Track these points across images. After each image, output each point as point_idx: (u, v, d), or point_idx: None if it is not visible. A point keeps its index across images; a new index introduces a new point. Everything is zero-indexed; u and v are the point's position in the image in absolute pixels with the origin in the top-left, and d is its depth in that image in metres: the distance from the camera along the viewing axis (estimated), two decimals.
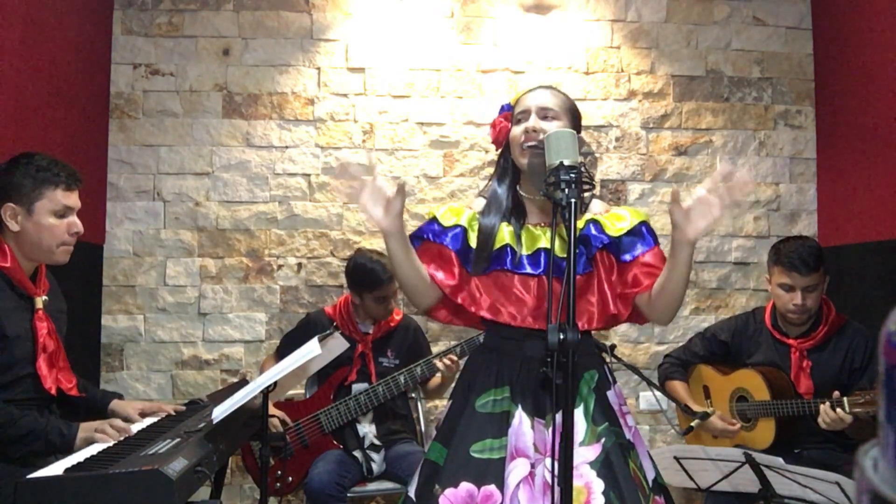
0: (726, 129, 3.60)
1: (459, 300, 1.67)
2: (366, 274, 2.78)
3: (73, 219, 1.99)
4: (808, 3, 3.64)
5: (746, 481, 2.15)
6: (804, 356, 2.52)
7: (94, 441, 1.81)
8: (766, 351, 2.61)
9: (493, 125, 1.80)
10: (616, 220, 1.67)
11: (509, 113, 1.77)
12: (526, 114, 1.70)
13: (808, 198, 3.61)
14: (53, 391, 1.95)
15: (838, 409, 2.25)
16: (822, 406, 2.27)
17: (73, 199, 1.99)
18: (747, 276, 3.55)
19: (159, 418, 2.07)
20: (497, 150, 1.83)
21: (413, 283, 1.67)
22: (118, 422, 1.91)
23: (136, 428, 1.96)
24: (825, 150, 3.56)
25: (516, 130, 1.70)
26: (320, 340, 1.96)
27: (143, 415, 2.10)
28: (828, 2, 3.52)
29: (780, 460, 2.04)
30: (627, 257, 1.64)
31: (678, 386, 2.71)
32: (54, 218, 1.94)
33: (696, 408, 2.60)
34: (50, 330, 1.97)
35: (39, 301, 1.96)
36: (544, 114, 1.69)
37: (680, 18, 3.60)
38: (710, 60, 3.61)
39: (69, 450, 1.80)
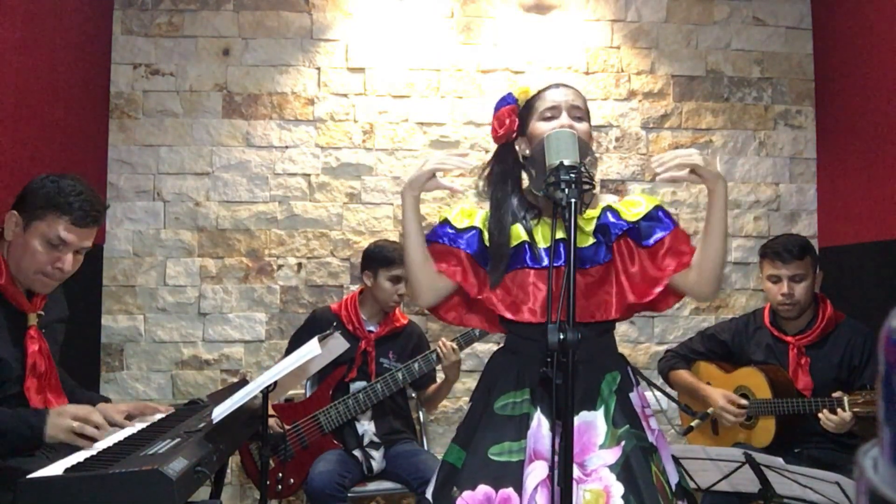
0: (726, 129, 3.60)
1: (482, 297, 1.65)
2: (382, 249, 2.87)
3: (65, 255, 1.81)
4: (808, 3, 3.64)
5: (746, 481, 2.15)
6: (802, 353, 2.54)
7: (68, 441, 1.66)
8: (765, 349, 2.63)
9: (500, 119, 1.70)
10: (631, 206, 1.64)
11: (516, 106, 1.70)
12: (556, 110, 1.64)
13: (808, 198, 3.61)
14: None
15: (839, 410, 2.26)
16: (821, 414, 2.30)
17: (73, 236, 1.81)
18: (747, 276, 3.55)
19: (148, 424, 2.02)
20: (497, 144, 1.75)
21: (420, 264, 1.65)
22: (97, 416, 1.72)
23: (122, 434, 1.91)
24: (825, 150, 3.56)
25: (545, 127, 1.62)
26: (320, 340, 1.96)
27: (130, 417, 2.01)
28: (828, 2, 3.52)
29: (780, 460, 2.04)
30: (650, 241, 1.60)
31: (684, 374, 2.73)
32: (44, 245, 1.78)
33: (707, 387, 2.61)
34: (42, 349, 1.84)
35: (33, 317, 1.84)
36: (575, 114, 1.64)
37: (680, 18, 3.60)
38: (710, 60, 3.61)
39: (39, 443, 1.68)
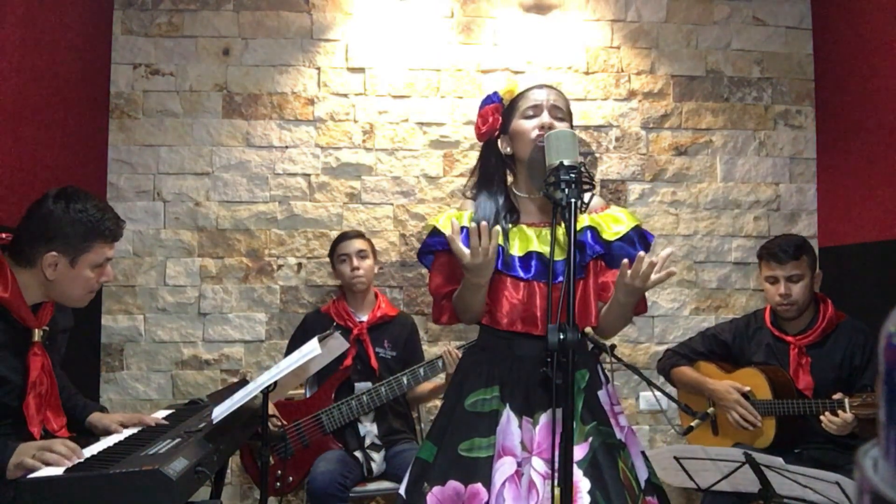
0: (726, 129, 3.60)
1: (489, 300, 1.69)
2: (335, 240, 3.06)
3: (107, 267, 1.90)
4: (808, 3, 3.64)
5: (746, 481, 2.15)
6: (803, 353, 2.55)
7: (27, 467, 1.54)
8: (765, 349, 2.63)
9: (484, 116, 1.74)
10: (612, 223, 1.67)
11: (500, 105, 1.74)
12: (538, 109, 1.68)
13: (808, 198, 3.61)
14: (37, 434, 1.76)
15: (840, 412, 2.26)
16: (822, 417, 2.30)
17: (113, 251, 1.91)
18: (747, 276, 3.55)
19: (140, 430, 1.99)
20: (480, 141, 1.79)
21: (479, 310, 1.67)
22: (60, 446, 1.61)
23: (122, 435, 1.90)
24: (825, 150, 3.56)
25: (526, 124, 1.68)
26: (320, 340, 1.96)
27: (125, 427, 2.01)
28: (828, 2, 3.52)
29: (780, 460, 2.04)
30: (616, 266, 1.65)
31: (687, 370, 2.72)
32: (93, 270, 1.85)
33: (714, 381, 2.61)
34: (45, 366, 1.82)
35: (37, 333, 1.81)
36: (556, 113, 1.68)
37: (680, 18, 3.60)
38: (710, 60, 3.61)
39: (2, 474, 1.58)
